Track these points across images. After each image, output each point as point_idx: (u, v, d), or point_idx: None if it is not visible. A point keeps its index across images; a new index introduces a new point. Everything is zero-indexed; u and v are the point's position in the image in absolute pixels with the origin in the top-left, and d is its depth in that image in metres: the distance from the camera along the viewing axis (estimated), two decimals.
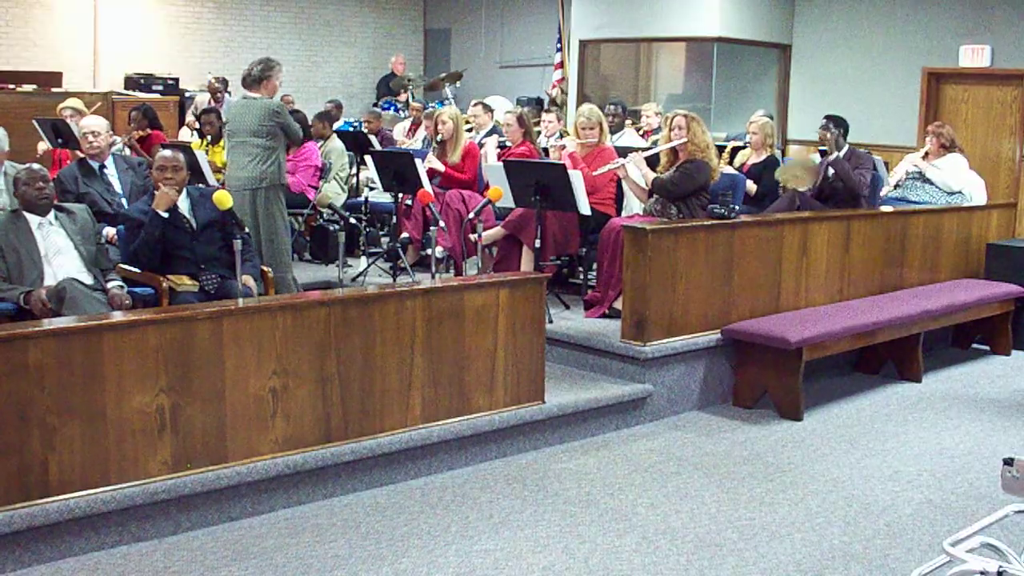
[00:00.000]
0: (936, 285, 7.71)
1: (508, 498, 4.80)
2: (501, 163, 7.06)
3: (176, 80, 13.73)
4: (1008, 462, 2.96)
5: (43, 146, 8.90)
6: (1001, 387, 6.90)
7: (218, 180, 8.07)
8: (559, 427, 5.54)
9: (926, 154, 8.39)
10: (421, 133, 10.91)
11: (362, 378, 4.78)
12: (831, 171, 7.53)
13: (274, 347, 4.51)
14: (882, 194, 8.36)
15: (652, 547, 4.30)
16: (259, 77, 6.92)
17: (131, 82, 13.53)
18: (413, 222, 7.90)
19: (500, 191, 6.48)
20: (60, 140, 8.38)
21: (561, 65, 13.52)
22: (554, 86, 13.54)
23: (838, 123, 7.68)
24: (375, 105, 14.06)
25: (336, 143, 9.41)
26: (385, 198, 8.89)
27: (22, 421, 3.92)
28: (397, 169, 7.50)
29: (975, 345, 7.92)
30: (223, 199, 5.45)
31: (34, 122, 8.89)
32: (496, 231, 7.11)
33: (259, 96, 6.90)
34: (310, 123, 9.33)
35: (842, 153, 7.54)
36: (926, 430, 5.94)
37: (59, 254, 5.46)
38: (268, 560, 4.11)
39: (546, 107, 11.94)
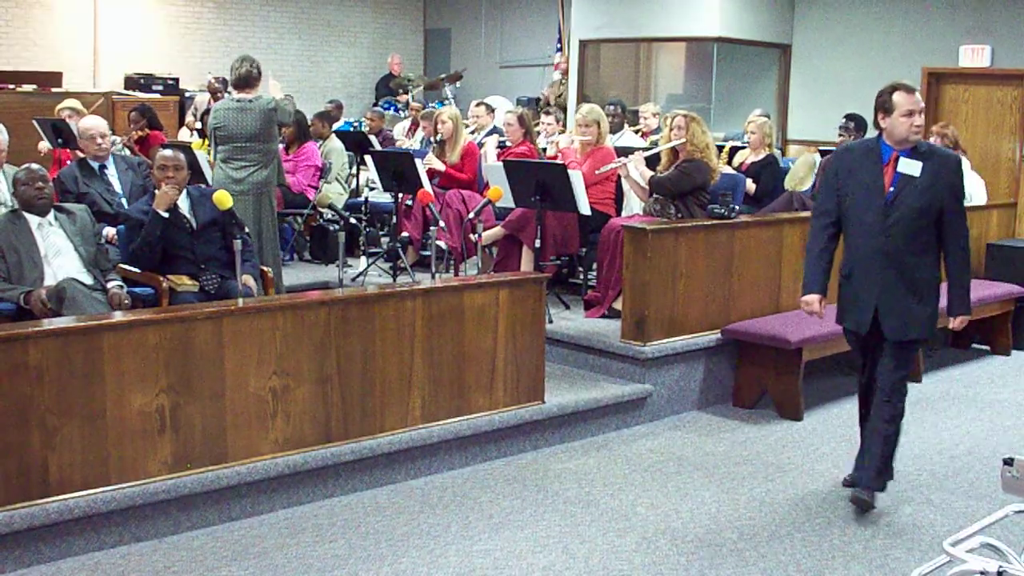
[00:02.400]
0: None
1: (508, 498, 4.80)
2: (501, 163, 7.06)
3: (176, 80, 13.72)
4: (1008, 462, 2.96)
5: (44, 145, 8.89)
6: (1001, 387, 6.90)
7: None
8: (559, 427, 5.54)
9: None
10: (420, 133, 10.91)
11: (362, 378, 4.78)
12: None
13: (274, 347, 4.51)
14: None
15: (652, 547, 4.30)
16: (257, 75, 6.78)
17: (131, 82, 13.52)
18: (413, 222, 7.90)
19: (500, 191, 6.48)
20: (60, 140, 8.38)
21: (558, 67, 13.53)
22: (552, 87, 13.54)
23: (859, 125, 7.66)
24: (375, 105, 14.07)
25: (336, 143, 9.41)
26: (385, 198, 8.89)
27: (22, 421, 3.92)
28: (397, 169, 7.50)
29: (975, 345, 7.92)
30: (223, 199, 5.45)
31: (34, 122, 8.89)
32: (496, 231, 7.12)
33: (253, 96, 6.75)
34: (310, 123, 9.33)
35: None
36: (926, 430, 5.94)
37: (59, 254, 5.46)
38: (268, 560, 4.11)
39: (541, 107, 11.94)
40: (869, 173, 4.53)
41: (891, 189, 4.48)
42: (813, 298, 4.73)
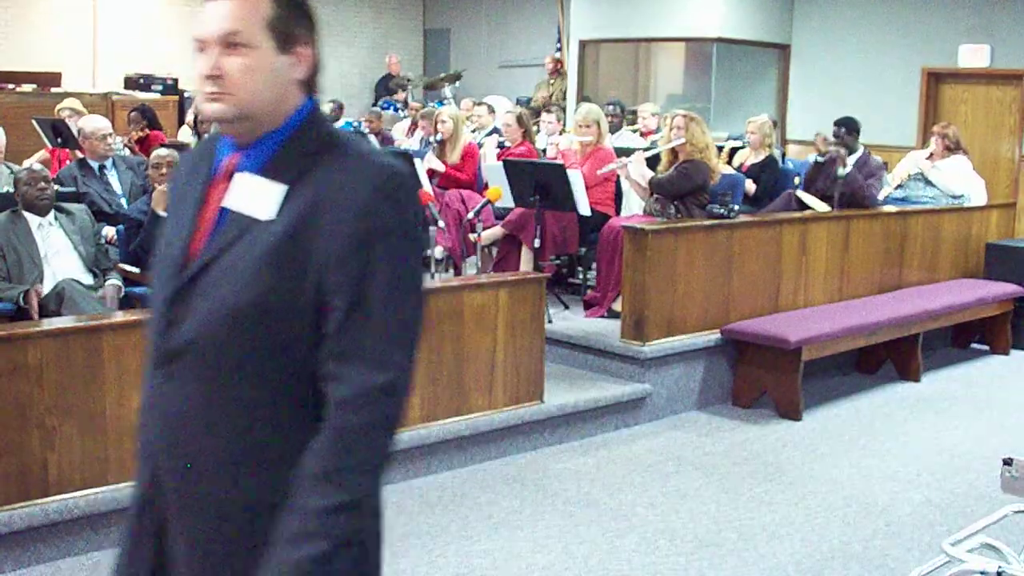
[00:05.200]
0: (936, 285, 7.72)
1: (508, 498, 4.80)
2: (501, 163, 7.06)
3: (176, 80, 13.71)
4: (1008, 462, 2.96)
5: (42, 155, 8.85)
6: (1001, 387, 6.90)
7: None
8: (558, 427, 5.54)
9: (930, 155, 8.30)
10: (420, 133, 10.90)
11: None
12: (840, 172, 7.42)
13: None
14: (881, 196, 8.32)
15: (652, 547, 4.30)
16: None
17: (131, 82, 13.51)
18: None
19: (500, 191, 6.48)
20: (60, 140, 8.38)
21: (556, 66, 13.56)
22: (540, 87, 13.57)
23: (850, 129, 7.31)
24: (374, 105, 14.07)
25: None
26: None
27: (22, 421, 3.92)
28: None
29: (974, 345, 7.92)
30: None
31: (34, 122, 8.88)
32: (496, 231, 7.11)
33: None
34: None
35: (858, 155, 7.39)
36: (926, 430, 5.94)
37: (58, 254, 5.47)
38: None
39: (534, 107, 11.94)
40: (184, 207, 1.86)
41: (202, 246, 1.80)
42: None
